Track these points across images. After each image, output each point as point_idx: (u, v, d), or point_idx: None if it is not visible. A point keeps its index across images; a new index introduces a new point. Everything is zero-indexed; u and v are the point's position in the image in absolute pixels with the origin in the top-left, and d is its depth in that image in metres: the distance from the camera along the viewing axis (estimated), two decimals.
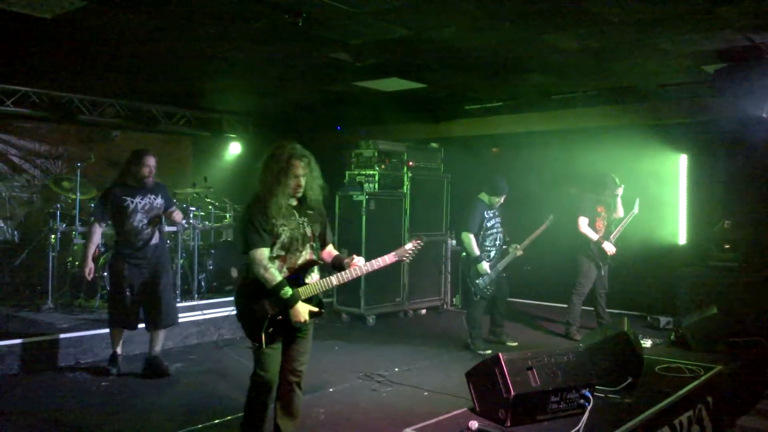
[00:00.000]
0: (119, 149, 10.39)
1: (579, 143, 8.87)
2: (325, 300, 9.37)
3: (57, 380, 5.73)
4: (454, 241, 9.57)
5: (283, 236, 3.63)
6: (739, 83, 6.21)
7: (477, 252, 6.62)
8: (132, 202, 5.64)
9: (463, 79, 7.82)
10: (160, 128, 10.46)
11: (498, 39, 5.99)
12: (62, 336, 6.28)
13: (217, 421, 4.65)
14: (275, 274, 3.56)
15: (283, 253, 3.66)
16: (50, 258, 7.59)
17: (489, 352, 6.48)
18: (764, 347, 6.62)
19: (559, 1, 4.90)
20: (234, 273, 8.83)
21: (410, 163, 9.03)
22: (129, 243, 5.69)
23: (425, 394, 5.32)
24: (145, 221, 5.69)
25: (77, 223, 7.95)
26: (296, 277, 3.67)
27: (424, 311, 9.24)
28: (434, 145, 9.63)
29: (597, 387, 4.61)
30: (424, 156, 9.31)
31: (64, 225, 7.92)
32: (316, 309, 3.69)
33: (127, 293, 5.70)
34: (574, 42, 6.00)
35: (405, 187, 8.97)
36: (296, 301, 3.57)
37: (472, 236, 6.64)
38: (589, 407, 4.31)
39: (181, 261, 8.05)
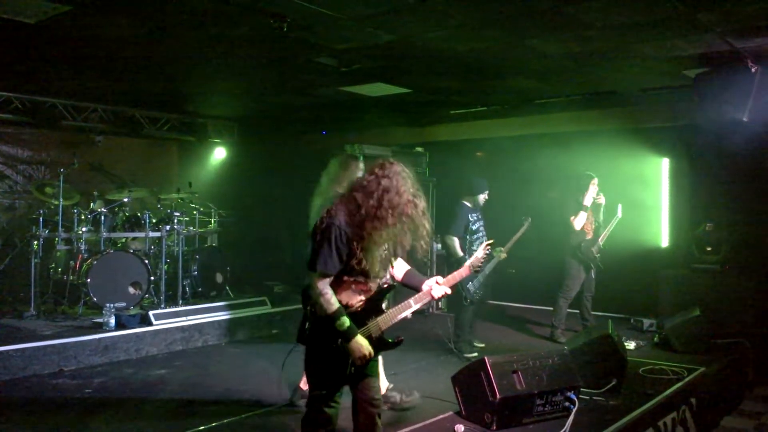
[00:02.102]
0: (103, 154, 10.36)
1: (562, 147, 8.92)
2: None
3: (40, 387, 5.67)
4: (439, 245, 9.58)
5: (364, 262, 3.21)
6: (720, 87, 6.27)
7: (461, 253, 6.57)
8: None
9: (447, 84, 7.85)
10: (144, 133, 10.39)
11: (482, 44, 6.02)
12: (45, 343, 6.21)
13: (201, 428, 4.62)
14: (333, 301, 3.16)
15: (362, 279, 3.28)
16: (33, 264, 7.51)
17: (475, 355, 6.49)
18: (746, 348, 6.69)
19: (542, 6, 4.93)
20: (219, 278, 8.80)
21: None
22: None
23: None
24: None
25: (60, 229, 7.88)
26: (375, 305, 3.36)
27: (409, 315, 9.21)
28: (419, 149, 9.66)
29: (582, 389, 4.64)
30: (409, 160, 9.21)
31: (47, 231, 7.84)
32: (392, 340, 3.40)
33: None
34: (557, 47, 6.04)
35: None
36: (354, 334, 3.17)
37: (455, 239, 6.60)
38: (574, 410, 4.33)
39: (165, 266, 8.01)
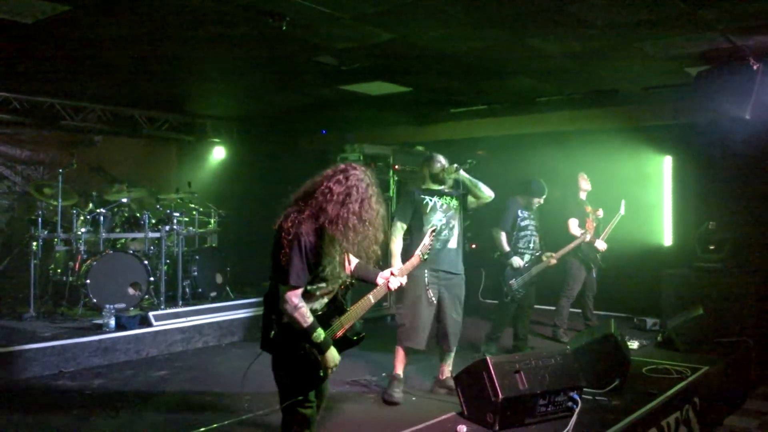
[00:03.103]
0: (102, 155, 10.32)
1: (563, 146, 8.89)
2: None
3: (39, 389, 5.64)
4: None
5: (327, 269, 3.26)
6: (722, 85, 6.25)
7: (507, 248, 6.51)
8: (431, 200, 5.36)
9: (447, 83, 7.83)
10: (143, 133, 10.37)
11: (482, 43, 6.00)
12: (45, 345, 6.18)
13: (202, 429, 4.59)
14: (307, 314, 3.15)
15: (324, 285, 3.31)
16: (32, 265, 7.47)
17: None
18: (749, 347, 6.67)
19: (542, 5, 4.91)
20: (219, 279, 8.76)
21: (396, 167, 9.01)
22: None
23: (413, 398, 5.29)
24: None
25: (59, 230, 7.84)
26: (338, 305, 3.40)
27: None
28: (420, 148, 9.62)
29: (585, 389, 4.62)
30: (409, 159, 9.29)
31: (45, 232, 7.80)
32: (356, 338, 3.46)
33: None
34: (558, 46, 6.02)
35: (391, 191, 8.95)
36: (329, 346, 3.22)
37: (503, 233, 6.54)
38: (577, 409, 4.32)
39: (165, 267, 7.98)
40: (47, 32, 5.73)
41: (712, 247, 7.74)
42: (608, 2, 4.82)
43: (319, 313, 3.30)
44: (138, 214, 8.37)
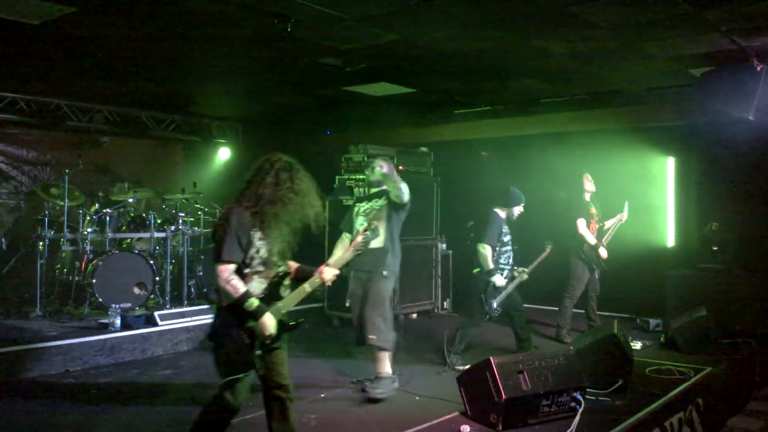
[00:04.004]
0: (108, 155, 10.37)
1: (567, 147, 8.90)
2: (315, 305, 9.16)
3: (45, 388, 5.68)
4: (444, 245, 9.58)
5: (263, 251, 3.49)
6: (726, 86, 6.25)
7: (491, 265, 6.28)
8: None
9: (451, 84, 7.84)
10: (149, 134, 10.42)
11: (486, 44, 6.01)
12: (51, 344, 6.23)
13: None
14: (239, 285, 3.40)
15: (262, 268, 3.53)
16: (38, 265, 7.53)
17: (467, 367, 6.40)
18: (753, 348, 6.67)
19: (547, 6, 4.93)
20: None
21: (400, 168, 9.02)
22: None
23: (417, 398, 5.31)
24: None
25: (65, 230, 7.90)
26: (274, 291, 3.59)
27: (415, 315, 9.22)
28: (424, 149, 9.64)
29: (588, 389, 4.64)
30: (413, 160, 9.31)
31: (52, 232, 7.86)
32: (293, 323, 3.62)
33: None
34: (562, 47, 6.03)
35: None
36: (264, 312, 3.43)
37: (489, 248, 6.28)
38: (580, 410, 4.33)
39: (170, 267, 8.02)
40: (54, 33, 5.76)
41: (715, 248, 7.75)
42: (612, 3, 4.83)
43: (257, 297, 3.50)
44: (144, 215, 8.43)
